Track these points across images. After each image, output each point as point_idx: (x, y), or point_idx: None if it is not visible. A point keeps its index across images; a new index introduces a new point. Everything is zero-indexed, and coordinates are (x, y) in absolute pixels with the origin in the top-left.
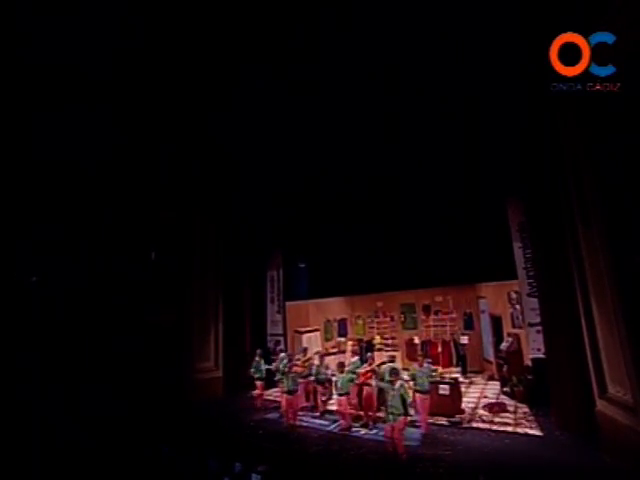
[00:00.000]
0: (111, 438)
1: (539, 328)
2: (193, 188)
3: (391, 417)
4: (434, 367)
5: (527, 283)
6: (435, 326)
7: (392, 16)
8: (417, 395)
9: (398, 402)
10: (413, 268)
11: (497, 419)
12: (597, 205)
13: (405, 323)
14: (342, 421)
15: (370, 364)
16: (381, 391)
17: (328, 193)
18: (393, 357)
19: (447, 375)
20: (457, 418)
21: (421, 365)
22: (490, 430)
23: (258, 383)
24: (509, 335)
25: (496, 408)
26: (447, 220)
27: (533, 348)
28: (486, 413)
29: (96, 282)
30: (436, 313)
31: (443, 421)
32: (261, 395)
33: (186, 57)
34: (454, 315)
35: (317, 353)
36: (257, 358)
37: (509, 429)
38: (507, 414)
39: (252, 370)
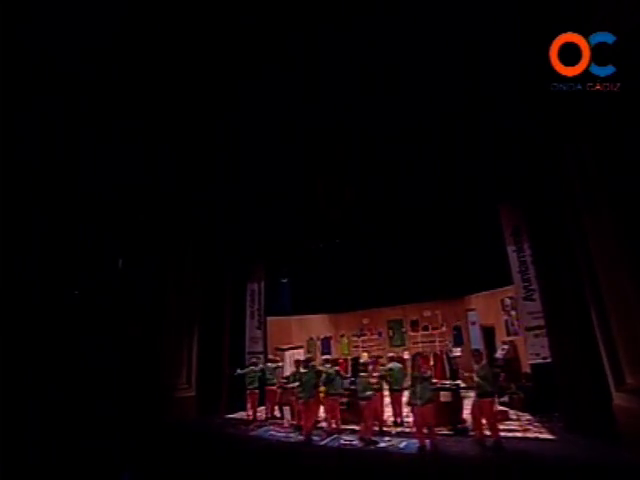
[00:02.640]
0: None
1: (538, 332)
2: (168, 191)
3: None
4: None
5: (523, 287)
6: (424, 342)
7: (391, 16)
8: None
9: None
10: (400, 283)
11: (501, 427)
12: (605, 190)
13: (393, 340)
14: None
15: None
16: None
17: (312, 204)
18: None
19: (448, 382)
20: (460, 427)
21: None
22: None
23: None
24: (504, 343)
25: (499, 416)
26: (434, 233)
27: (532, 353)
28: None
29: (56, 292)
30: (425, 328)
31: (444, 431)
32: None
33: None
34: (443, 330)
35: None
36: (253, 367)
37: (518, 435)
38: (510, 422)
39: (248, 380)
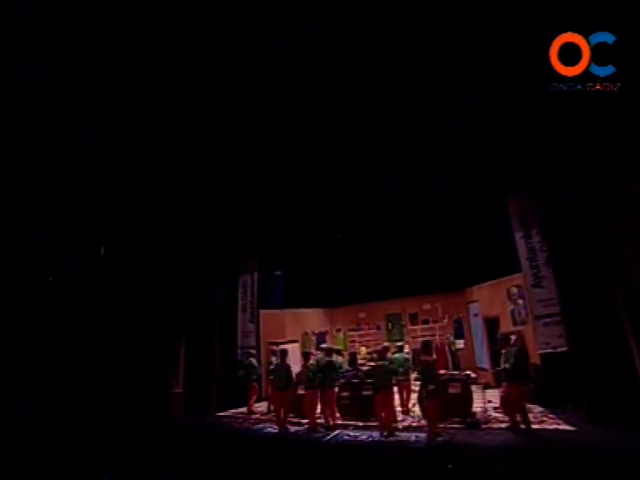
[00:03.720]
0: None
1: (548, 320)
2: (155, 180)
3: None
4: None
5: (531, 274)
6: (424, 336)
7: (395, 13)
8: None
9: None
10: (398, 275)
11: (517, 419)
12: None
13: (391, 334)
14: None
15: None
16: None
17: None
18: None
19: (456, 373)
20: (471, 420)
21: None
22: (509, 428)
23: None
24: (511, 333)
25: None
26: (434, 222)
27: (542, 342)
28: (499, 415)
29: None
30: (425, 322)
31: (455, 424)
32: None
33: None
34: (444, 322)
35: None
36: (251, 359)
37: (535, 427)
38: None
39: (241, 373)
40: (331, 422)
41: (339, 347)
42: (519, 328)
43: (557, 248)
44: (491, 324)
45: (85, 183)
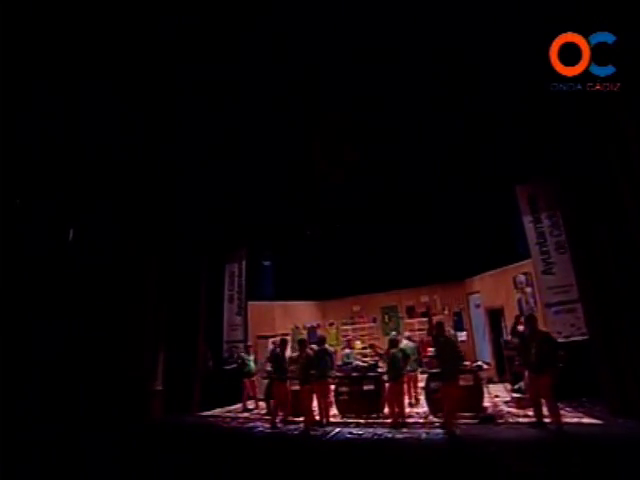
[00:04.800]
0: None
1: (559, 308)
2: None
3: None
4: None
5: (541, 259)
6: (421, 329)
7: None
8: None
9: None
10: (394, 266)
11: (531, 413)
12: None
13: (387, 327)
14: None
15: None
16: None
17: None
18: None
19: (467, 363)
20: (484, 415)
21: None
22: (535, 424)
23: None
24: (519, 323)
25: (524, 402)
26: (431, 210)
27: (553, 332)
28: (513, 410)
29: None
30: (423, 314)
31: (466, 419)
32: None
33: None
34: (445, 313)
35: None
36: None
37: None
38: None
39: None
40: (324, 420)
41: (331, 344)
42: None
43: (575, 232)
44: (494, 315)
45: (53, 154)
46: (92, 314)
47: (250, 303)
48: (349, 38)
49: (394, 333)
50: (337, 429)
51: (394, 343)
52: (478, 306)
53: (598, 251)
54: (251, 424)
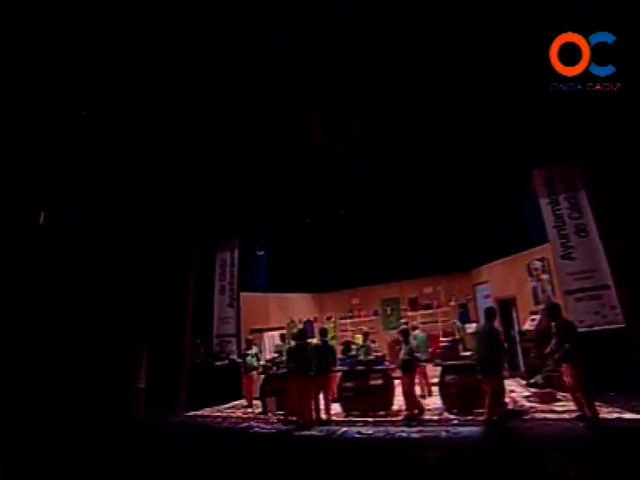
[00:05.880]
0: None
1: (581, 295)
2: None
3: None
4: None
5: (560, 244)
6: (425, 323)
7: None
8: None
9: None
10: (396, 256)
11: (558, 408)
12: None
13: (388, 321)
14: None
15: None
16: None
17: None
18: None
19: None
20: (508, 410)
21: None
22: (567, 420)
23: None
24: (533, 313)
25: (547, 397)
26: (437, 197)
27: (574, 321)
28: (535, 404)
29: None
30: (426, 307)
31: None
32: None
33: None
34: (452, 304)
35: None
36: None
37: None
38: (563, 404)
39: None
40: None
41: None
42: (542, 307)
43: (605, 215)
44: (505, 306)
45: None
46: (67, 304)
47: (242, 294)
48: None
49: (403, 321)
50: (343, 428)
51: (406, 333)
52: (487, 296)
53: (634, 235)
54: (245, 424)
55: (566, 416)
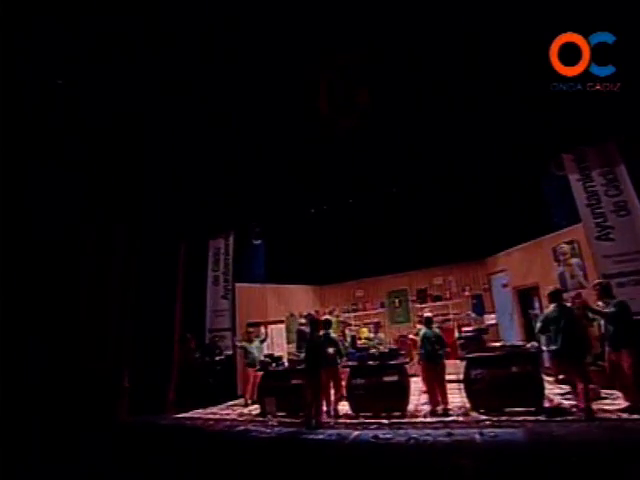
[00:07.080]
0: None
1: (622, 280)
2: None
3: None
4: None
5: (594, 224)
6: (435, 316)
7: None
8: None
9: None
10: (403, 245)
11: (605, 407)
12: None
13: (395, 315)
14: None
15: None
16: None
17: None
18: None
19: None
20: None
21: None
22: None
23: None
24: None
25: (591, 393)
26: (447, 181)
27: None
28: (573, 402)
29: None
30: (436, 298)
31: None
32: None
33: None
34: (462, 297)
35: None
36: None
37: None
38: (609, 401)
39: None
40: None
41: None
42: (572, 294)
43: None
44: (524, 296)
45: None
46: (43, 296)
47: (238, 285)
48: None
49: (427, 310)
50: (355, 432)
51: (429, 321)
52: (505, 286)
53: None
54: (242, 427)
55: (614, 417)
